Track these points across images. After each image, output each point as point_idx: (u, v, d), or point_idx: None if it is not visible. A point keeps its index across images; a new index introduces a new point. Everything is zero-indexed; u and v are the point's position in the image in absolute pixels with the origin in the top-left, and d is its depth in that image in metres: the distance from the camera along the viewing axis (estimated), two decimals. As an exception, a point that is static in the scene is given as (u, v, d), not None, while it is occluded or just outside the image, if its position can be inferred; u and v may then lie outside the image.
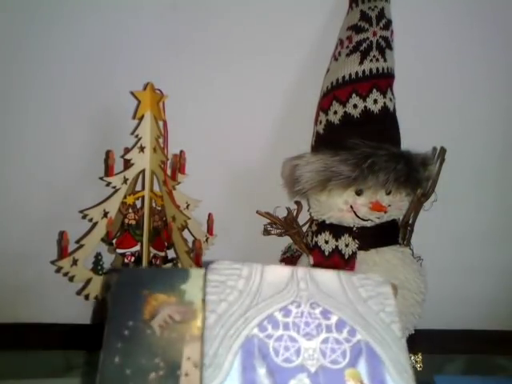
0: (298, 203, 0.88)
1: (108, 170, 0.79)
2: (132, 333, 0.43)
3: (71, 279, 0.80)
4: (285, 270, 0.48)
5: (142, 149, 0.78)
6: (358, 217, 0.78)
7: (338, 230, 0.80)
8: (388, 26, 0.78)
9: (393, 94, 0.79)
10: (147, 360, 0.42)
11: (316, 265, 0.81)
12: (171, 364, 0.42)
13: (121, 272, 0.48)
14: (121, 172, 0.79)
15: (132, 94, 0.81)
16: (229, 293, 0.45)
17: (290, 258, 0.90)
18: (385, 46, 0.77)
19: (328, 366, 0.41)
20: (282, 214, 0.88)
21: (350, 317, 0.45)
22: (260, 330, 0.43)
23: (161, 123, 0.80)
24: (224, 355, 0.41)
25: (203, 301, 0.45)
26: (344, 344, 0.43)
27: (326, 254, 0.80)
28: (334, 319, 0.44)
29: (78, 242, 0.81)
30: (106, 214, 0.78)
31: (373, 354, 0.43)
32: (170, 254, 0.86)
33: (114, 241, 0.81)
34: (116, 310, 0.45)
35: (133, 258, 0.82)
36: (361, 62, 0.77)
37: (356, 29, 0.78)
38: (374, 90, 0.77)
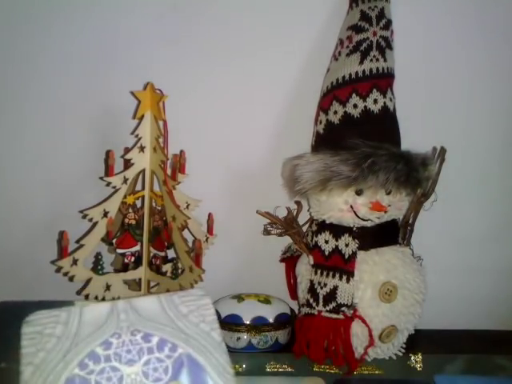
0: (298, 203, 0.88)
1: (108, 170, 0.79)
2: (1, 377, 0.44)
3: (71, 279, 0.80)
4: (103, 307, 0.49)
5: (142, 149, 0.79)
6: (358, 217, 0.78)
7: (337, 230, 0.80)
8: (388, 25, 0.78)
9: (393, 93, 0.79)
10: None
11: (316, 264, 0.81)
12: None
13: None
14: (121, 172, 0.79)
15: (132, 93, 0.81)
16: (46, 341, 0.45)
17: (290, 258, 0.90)
18: (385, 46, 0.77)
19: None
20: (282, 214, 0.88)
21: (170, 334, 0.47)
22: (81, 368, 0.43)
23: (161, 123, 0.80)
24: None
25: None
26: (166, 361, 0.45)
27: (326, 253, 0.80)
28: (155, 340, 0.46)
29: (77, 241, 0.81)
30: (106, 214, 0.78)
31: (194, 363, 0.46)
32: (170, 253, 0.86)
33: (114, 241, 0.81)
34: None
35: (133, 258, 0.82)
36: (361, 62, 0.77)
37: (356, 29, 0.78)
38: (374, 90, 0.77)
